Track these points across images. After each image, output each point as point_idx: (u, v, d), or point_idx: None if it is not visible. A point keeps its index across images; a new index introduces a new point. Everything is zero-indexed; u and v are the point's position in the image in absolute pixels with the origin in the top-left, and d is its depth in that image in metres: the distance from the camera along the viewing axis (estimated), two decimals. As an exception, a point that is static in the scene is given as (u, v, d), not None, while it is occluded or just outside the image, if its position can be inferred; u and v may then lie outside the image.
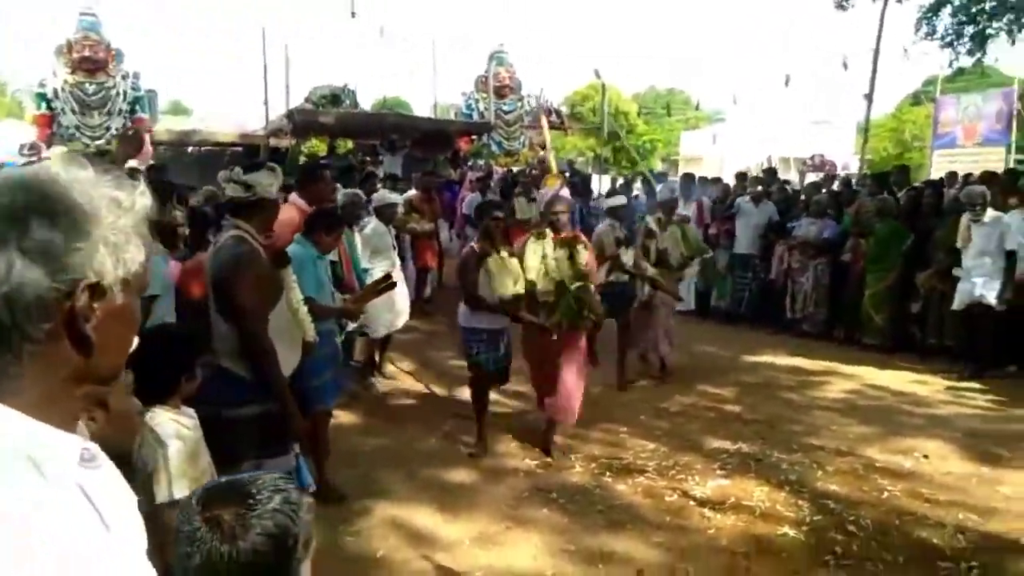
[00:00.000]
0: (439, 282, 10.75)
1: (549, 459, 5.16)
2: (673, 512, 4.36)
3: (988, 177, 8.39)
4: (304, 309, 3.12)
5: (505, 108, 19.67)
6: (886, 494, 4.57)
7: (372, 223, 6.66)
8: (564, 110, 23.32)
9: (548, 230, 5.30)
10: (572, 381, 5.23)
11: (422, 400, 6.49)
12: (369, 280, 5.34)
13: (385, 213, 6.76)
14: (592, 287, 5.24)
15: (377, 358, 7.02)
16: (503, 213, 5.27)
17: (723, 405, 6.37)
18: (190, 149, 17.51)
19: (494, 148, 18.76)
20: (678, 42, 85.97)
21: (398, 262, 6.87)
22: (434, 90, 20.20)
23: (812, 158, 22.10)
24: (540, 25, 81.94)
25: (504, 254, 5.07)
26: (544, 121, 17.53)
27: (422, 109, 22.61)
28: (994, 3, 15.05)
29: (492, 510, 4.36)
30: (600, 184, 15.07)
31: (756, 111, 28.57)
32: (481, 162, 15.92)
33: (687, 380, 7.00)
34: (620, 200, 7.40)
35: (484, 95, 18.95)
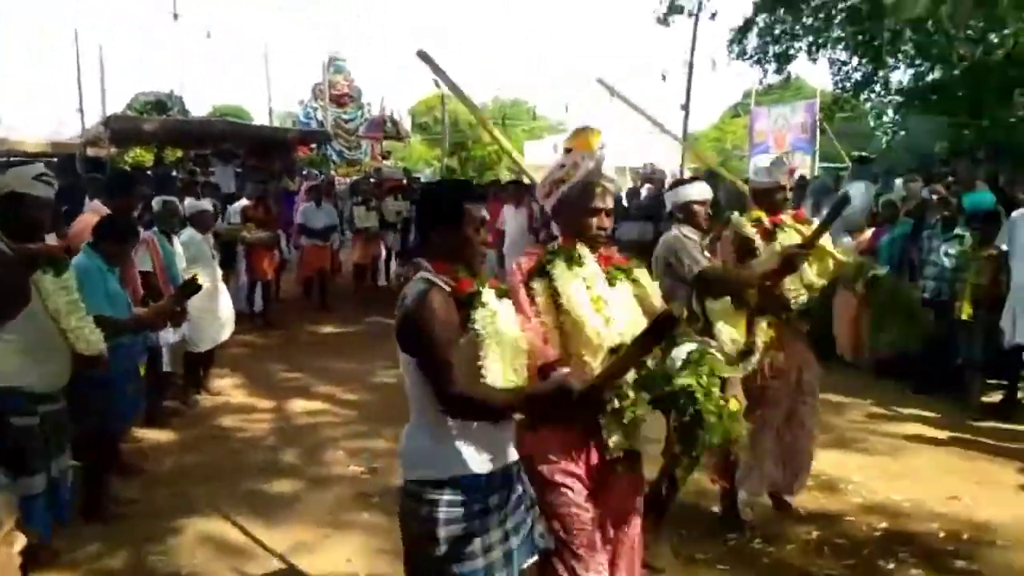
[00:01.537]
0: (276, 294, 10.48)
1: None
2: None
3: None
4: (77, 319, 2.96)
5: (345, 117, 19.51)
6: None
7: (187, 231, 6.45)
8: (405, 120, 23.35)
9: (581, 246, 2.58)
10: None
11: (248, 415, 6.31)
12: None
13: (197, 220, 6.52)
14: (718, 354, 2.49)
15: (201, 373, 6.78)
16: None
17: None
18: (-5, 159, 16.15)
19: (335, 157, 18.54)
20: (518, 52, 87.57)
21: (219, 272, 6.69)
22: (269, 97, 19.76)
23: (644, 167, 23.21)
24: (380, 32, 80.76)
25: (493, 293, 2.21)
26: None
27: (260, 117, 21.99)
28: (796, 25, 16.56)
29: (312, 519, 4.32)
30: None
31: (590, 121, 29.68)
32: (316, 171, 15.65)
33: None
34: (703, 192, 4.09)
35: (323, 104, 18.70)
